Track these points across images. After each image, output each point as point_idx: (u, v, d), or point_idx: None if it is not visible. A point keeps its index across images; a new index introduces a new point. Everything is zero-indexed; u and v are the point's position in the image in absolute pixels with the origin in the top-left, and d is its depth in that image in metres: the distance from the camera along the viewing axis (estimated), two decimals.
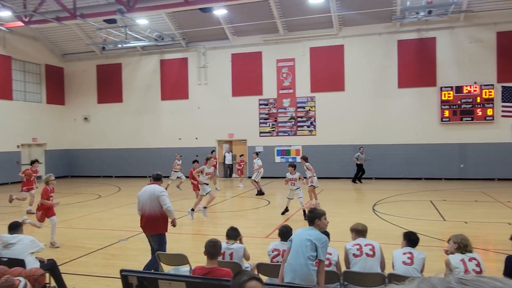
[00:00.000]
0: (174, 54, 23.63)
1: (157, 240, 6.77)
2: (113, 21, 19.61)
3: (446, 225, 10.25)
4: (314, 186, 12.55)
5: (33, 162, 13.96)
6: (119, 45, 21.54)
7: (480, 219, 10.89)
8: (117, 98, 24.72)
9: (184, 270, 5.72)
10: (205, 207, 11.77)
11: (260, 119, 22.32)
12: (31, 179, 13.36)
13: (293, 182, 11.33)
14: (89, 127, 25.27)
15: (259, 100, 22.27)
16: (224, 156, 22.97)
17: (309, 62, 21.40)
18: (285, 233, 5.51)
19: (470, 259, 4.59)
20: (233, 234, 5.78)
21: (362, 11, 19.34)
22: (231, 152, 23.03)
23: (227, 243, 5.63)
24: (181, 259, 5.88)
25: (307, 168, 12.50)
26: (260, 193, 16.07)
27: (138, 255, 7.84)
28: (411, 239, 5.15)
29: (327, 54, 21.10)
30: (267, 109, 22.19)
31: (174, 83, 23.65)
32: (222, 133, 22.84)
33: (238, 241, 5.77)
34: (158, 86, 23.99)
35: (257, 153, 18.23)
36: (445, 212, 11.79)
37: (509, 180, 18.60)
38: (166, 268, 6.03)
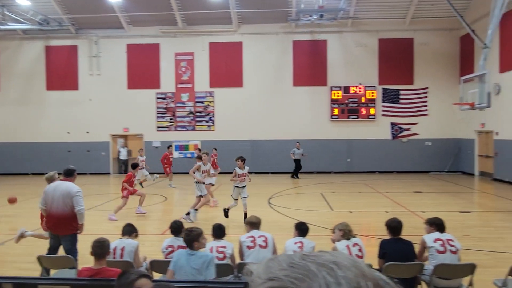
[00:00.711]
0: (62, 40, 21.72)
1: (70, 240, 6.25)
2: None
3: (334, 215, 10.99)
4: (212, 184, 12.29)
5: None
6: None
7: (363, 208, 11.91)
8: None
9: (71, 272, 5.31)
10: (196, 209, 10.60)
11: (158, 113, 21.65)
12: None
13: (243, 178, 9.99)
14: None
15: (157, 93, 21.57)
16: (119, 152, 21.83)
17: (208, 57, 21.32)
18: (176, 228, 5.39)
19: (354, 245, 4.96)
20: (128, 230, 5.55)
21: (260, 10, 19.84)
22: (126, 147, 21.97)
23: (120, 239, 5.41)
24: (65, 262, 5.43)
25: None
26: None
27: (16, 261, 7.05)
28: (301, 228, 5.39)
29: (226, 50, 21.24)
30: (165, 103, 21.61)
31: (62, 72, 21.75)
32: (116, 127, 21.65)
33: (133, 237, 5.53)
34: (43, 74, 21.85)
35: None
36: (333, 203, 12.66)
37: (388, 172, 20.68)
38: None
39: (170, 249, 5.28)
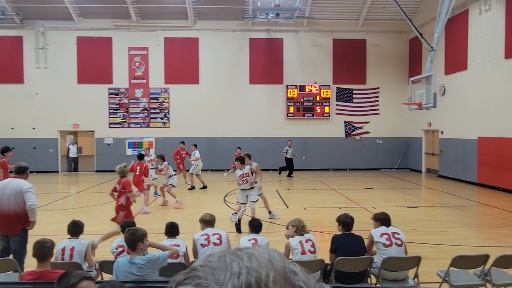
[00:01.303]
0: (5, 31, 20.47)
1: (20, 240, 5.90)
2: None
3: (288, 212, 11.12)
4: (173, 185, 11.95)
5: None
6: None
7: (317, 205, 12.14)
8: None
9: (14, 276, 5.03)
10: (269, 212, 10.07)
11: (110, 109, 20.95)
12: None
13: (245, 179, 8.99)
14: None
15: (109, 89, 20.87)
16: (68, 149, 20.94)
17: (164, 53, 20.89)
18: (126, 227, 5.21)
19: (307, 240, 5.03)
20: (75, 231, 5.29)
21: (216, 6, 19.68)
22: (76, 144, 21.10)
23: (69, 238, 5.17)
24: (8, 265, 5.12)
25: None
26: (204, 187, 15.15)
27: None
28: (253, 225, 5.41)
29: (182, 45, 20.91)
30: (118, 99, 20.94)
31: (5, 65, 20.51)
32: (65, 124, 20.73)
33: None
34: None
35: (195, 145, 16.00)
36: (288, 200, 12.81)
37: (341, 170, 21.22)
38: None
39: (120, 249, 5.11)
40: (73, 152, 20.93)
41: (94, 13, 20.22)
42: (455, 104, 17.19)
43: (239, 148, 16.77)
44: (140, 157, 11.89)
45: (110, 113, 20.94)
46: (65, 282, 2.39)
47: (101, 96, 20.76)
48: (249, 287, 0.55)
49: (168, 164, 12.30)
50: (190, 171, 15.37)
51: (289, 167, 18.82)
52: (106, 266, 4.98)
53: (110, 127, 20.94)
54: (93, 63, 20.61)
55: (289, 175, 18.70)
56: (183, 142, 16.30)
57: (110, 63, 20.79)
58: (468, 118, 16.42)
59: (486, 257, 4.99)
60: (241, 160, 9.07)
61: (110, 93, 20.88)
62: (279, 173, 19.34)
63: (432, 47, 13.90)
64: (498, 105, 14.60)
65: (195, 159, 15.30)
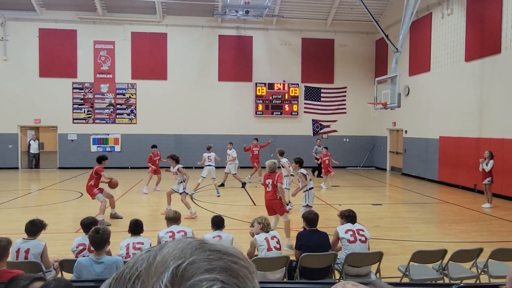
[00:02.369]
0: None
1: None
2: None
3: (256, 209, 11.15)
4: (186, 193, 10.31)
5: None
6: None
7: None
8: None
9: None
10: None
11: (74, 104, 20.32)
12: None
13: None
14: None
15: (73, 83, 20.23)
16: (29, 144, 20.17)
17: (131, 47, 20.45)
18: (87, 225, 5.07)
19: (272, 237, 5.06)
20: (32, 230, 5.07)
21: (185, 2, 19.44)
22: (38, 140, 20.35)
23: (24, 239, 4.93)
24: None
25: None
26: (243, 184, 14.62)
27: None
28: (214, 221, 5.39)
29: (150, 41, 20.53)
30: (82, 93, 20.35)
31: None
32: (26, 118, 19.94)
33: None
34: None
35: (231, 143, 15.54)
36: (255, 197, 12.84)
37: (309, 167, 21.41)
38: None
39: (81, 247, 4.98)
40: (34, 148, 20.18)
41: (58, 5, 19.54)
42: (419, 105, 17.73)
43: (256, 139, 16.68)
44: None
45: (74, 108, 20.32)
46: (14, 285, 2.28)
47: (64, 91, 20.11)
48: (119, 279, 0.56)
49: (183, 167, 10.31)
50: (232, 173, 14.71)
51: (318, 167, 17.28)
52: (66, 265, 4.83)
53: (74, 123, 20.32)
54: (56, 56, 19.92)
55: (319, 175, 17.34)
56: (155, 146, 14.88)
57: (75, 57, 20.16)
58: (430, 118, 16.98)
59: (444, 252, 5.17)
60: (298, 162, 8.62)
61: (74, 88, 20.26)
62: (313, 175, 17.78)
63: (397, 49, 14.28)
64: (458, 106, 15.17)
65: (232, 159, 14.71)
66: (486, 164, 11.31)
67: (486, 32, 13.77)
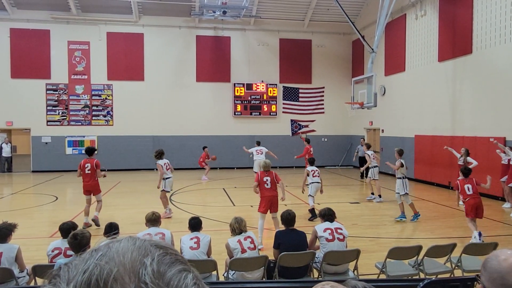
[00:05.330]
0: None
1: None
2: None
3: (235, 209, 11.13)
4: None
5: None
6: None
7: None
8: None
9: None
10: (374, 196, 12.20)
11: (48, 106, 19.85)
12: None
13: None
14: None
15: (47, 84, 19.76)
16: (1, 148, 19.58)
17: (106, 48, 20.11)
18: (66, 230, 4.96)
19: (245, 238, 5.06)
20: (3, 233, 4.94)
21: (162, 2, 19.26)
22: (10, 143, 19.79)
23: None
24: None
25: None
26: None
27: None
28: (192, 223, 5.35)
29: (126, 41, 20.24)
30: (57, 95, 19.89)
31: None
32: None
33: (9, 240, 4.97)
34: None
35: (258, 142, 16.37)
36: (234, 198, 12.82)
37: (288, 167, 21.55)
38: None
39: (56, 251, 4.86)
40: (6, 151, 19.60)
41: (30, 4, 19.06)
42: (394, 104, 18.05)
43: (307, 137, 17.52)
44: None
45: (48, 110, 19.85)
46: None
47: (37, 92, 19.62)
48: (89, 285, 0.53)
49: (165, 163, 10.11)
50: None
51: (362, 165, 16.41)
52: (40, 270, 4.71)
53: (48, 125, 19.85)
54: (29, 57, 19.42)
55: (365, 176, 16.37)
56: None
57: (48, 58, 19.70)
58: (406, 117, 17.31)
59: (419, 248, 5.28)
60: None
61: (47, 89, 19.79)
62: (361, 175, 17.62)
63: (372, 49, 14.51)
64: (432, 105, 15.52)
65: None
66: (463, 162, 11.62)
67: (458, 33, 14.13)
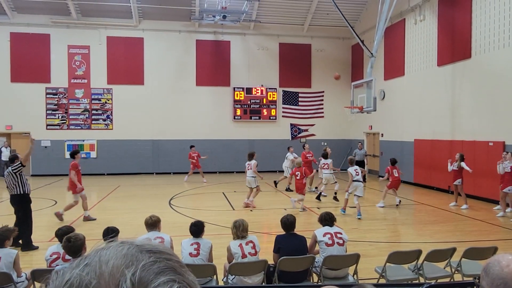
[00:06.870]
0: None
1: None
2: None
3: (235, 214, 11.11)
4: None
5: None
6: None
7: (264, 206, 12.23)
8: None
9: None
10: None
11: (48, 109, 19.87)
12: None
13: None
14: None
15: (46, 88, 19.79)
16: (0, 151, 19.57)
17: (106, 52, 20.16)
18: (62, 235, 4.94)
19: (247, 243, 5.04)
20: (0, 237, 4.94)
21: (162, 6, 19.33)
22: (10, 146, 19.78)
23: None
24: None
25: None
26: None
27: None
28: (193, 230, 5.33)
29: (126, 45, 20.29)
30: (56, 99, 19.91)
31: None
32: None
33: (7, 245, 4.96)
34: None
35: (290, 147, 16.80)
36: (234, 202, 12.81)
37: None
38: None
39: (55, 256, 4.85)
40: (5, 155, 19.52)
41: (30, 8, 19.12)
42: (394, 108, 18.07)
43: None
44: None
45: (47, 114, 19.86)
46: None
47: (37, 96, 19.64)
48: None
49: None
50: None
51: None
52: (39, 274, 4.70)
53: (47, 129, 19.86)
54: (29, 61, 19.46)
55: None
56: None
57: (48, 62, 19.74)
58: (405, 121, 17.33)
59: (419, 253, 5.27)
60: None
61: (47, 93, 19.82)
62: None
63: (372, 54, 14.54)
64: (431, 109, 15.54)
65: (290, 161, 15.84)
66: (457, 167, 11.61)
67: (457, 38, 14.18)
